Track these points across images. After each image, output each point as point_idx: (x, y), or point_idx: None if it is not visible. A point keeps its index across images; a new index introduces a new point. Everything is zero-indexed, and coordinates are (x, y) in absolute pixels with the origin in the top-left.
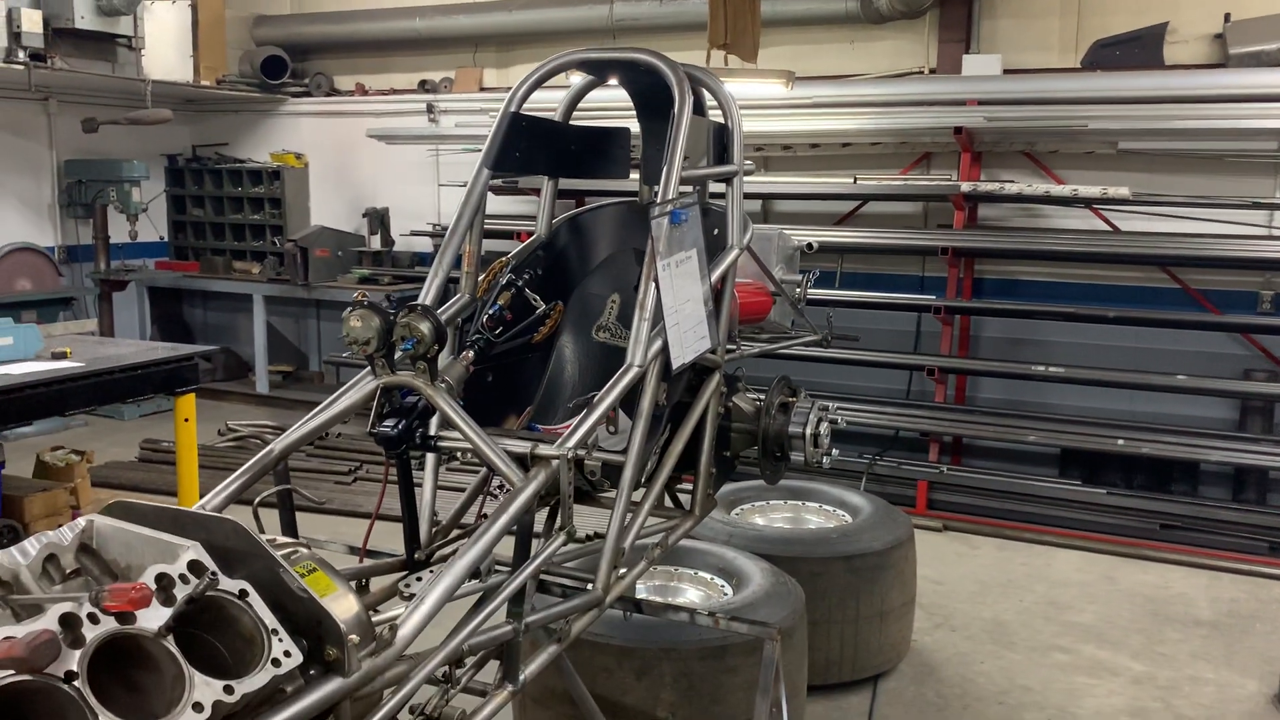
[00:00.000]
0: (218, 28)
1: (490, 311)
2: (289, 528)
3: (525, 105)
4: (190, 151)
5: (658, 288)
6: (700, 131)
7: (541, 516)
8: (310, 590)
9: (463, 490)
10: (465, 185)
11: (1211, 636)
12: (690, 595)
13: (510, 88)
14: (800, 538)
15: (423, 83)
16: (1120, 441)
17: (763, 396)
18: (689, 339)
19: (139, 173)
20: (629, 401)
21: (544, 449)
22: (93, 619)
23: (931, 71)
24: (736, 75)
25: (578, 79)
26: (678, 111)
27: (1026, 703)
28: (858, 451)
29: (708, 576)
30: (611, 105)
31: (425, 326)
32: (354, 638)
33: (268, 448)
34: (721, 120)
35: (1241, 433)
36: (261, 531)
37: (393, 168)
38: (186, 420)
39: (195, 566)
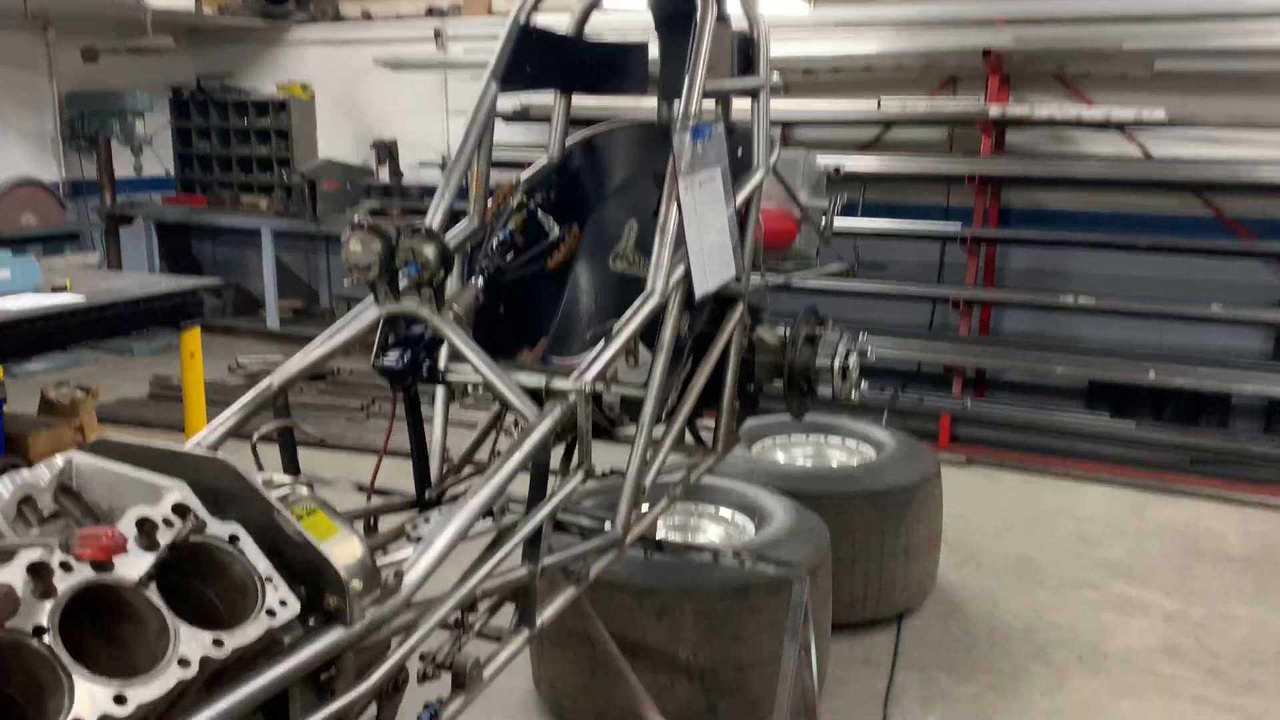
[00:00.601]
0: None
1: (500, 236)
2: (290, 465)
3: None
4: (195, 83)
5: (680, 210)
6: (724, 41)
7: (557, 454)
8: (307, 534)
9: (475, 427)
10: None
11: (1244, 572)
12: (711, 533)
13: None
14: (824, 474)
15: (430, 8)
16: (1151, 374)
17: (787, 329)
18: (712, 266)
19: (142, 105)
20: (649, 333)
21: (560, 383)
22: (65, 568)
23: None
24: None
25: None
26: (700, 17)
27: (1055, 640)
28: (879, 386)
29: (729, 514)
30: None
31: (430, 250)
32: (356, 584)
33: (266, 380)
34: (746, 31)
35: (1276, 364)
36: (261, 470)
37: (401, 98)
38: (192, 355)
39: (180, 509)
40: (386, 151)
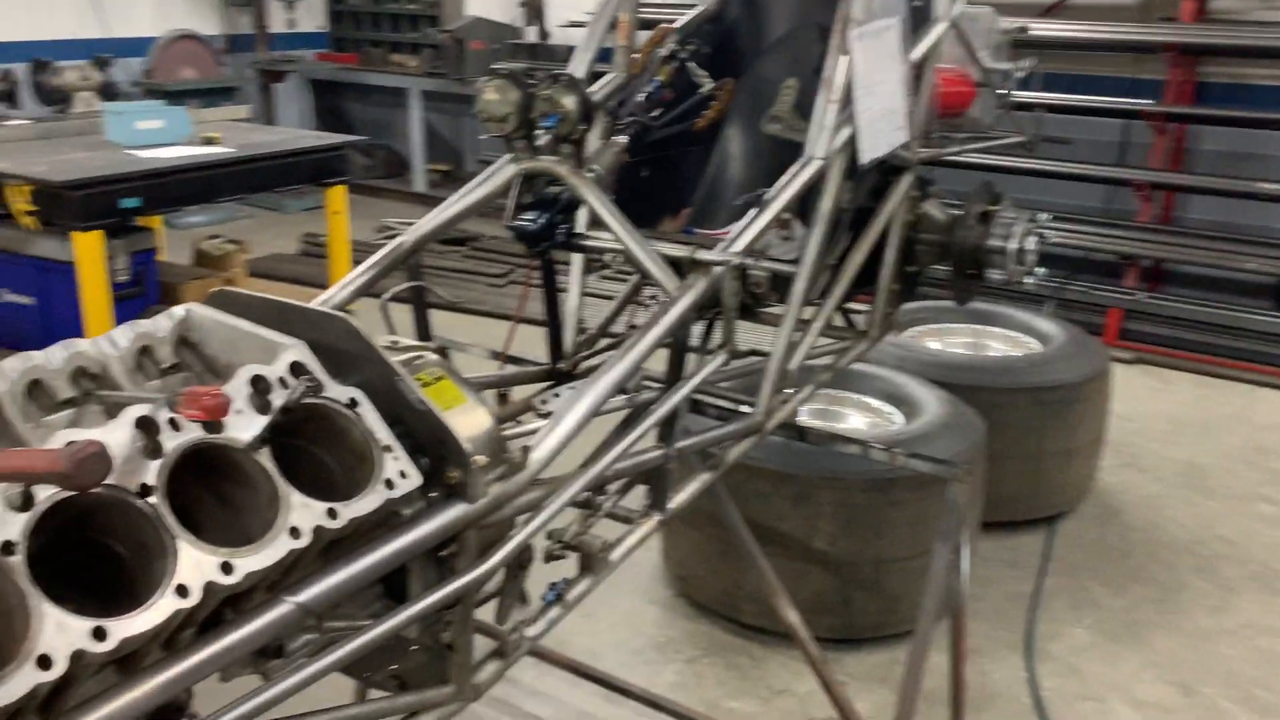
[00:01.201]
0: None
1: (647, 90)
2: (421, 328)
3: None
4: None
5: (849, 63)
6: None
7: (697, 332)
8: (431, 402)
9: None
10: None
11: None
12: (855, 422)
13: None
14: (982, 365)
15: None
16: None
17: (957, 205)
18: (881, 129)
19: None
20: (803, 204)
21: (705, 254)
22: (174, 425)
23: None
24: None
25: None
26: None
27: (1224, 555)
28: (1043, 274)
29: (875, 403)
30: None
31: (570, 101)
32: (481, 459)
33: (398, 239)
34: None
35: None
36: (391, 332)
37: None
38: (337, 213)
39: (297, 369)
40: (535, 9)
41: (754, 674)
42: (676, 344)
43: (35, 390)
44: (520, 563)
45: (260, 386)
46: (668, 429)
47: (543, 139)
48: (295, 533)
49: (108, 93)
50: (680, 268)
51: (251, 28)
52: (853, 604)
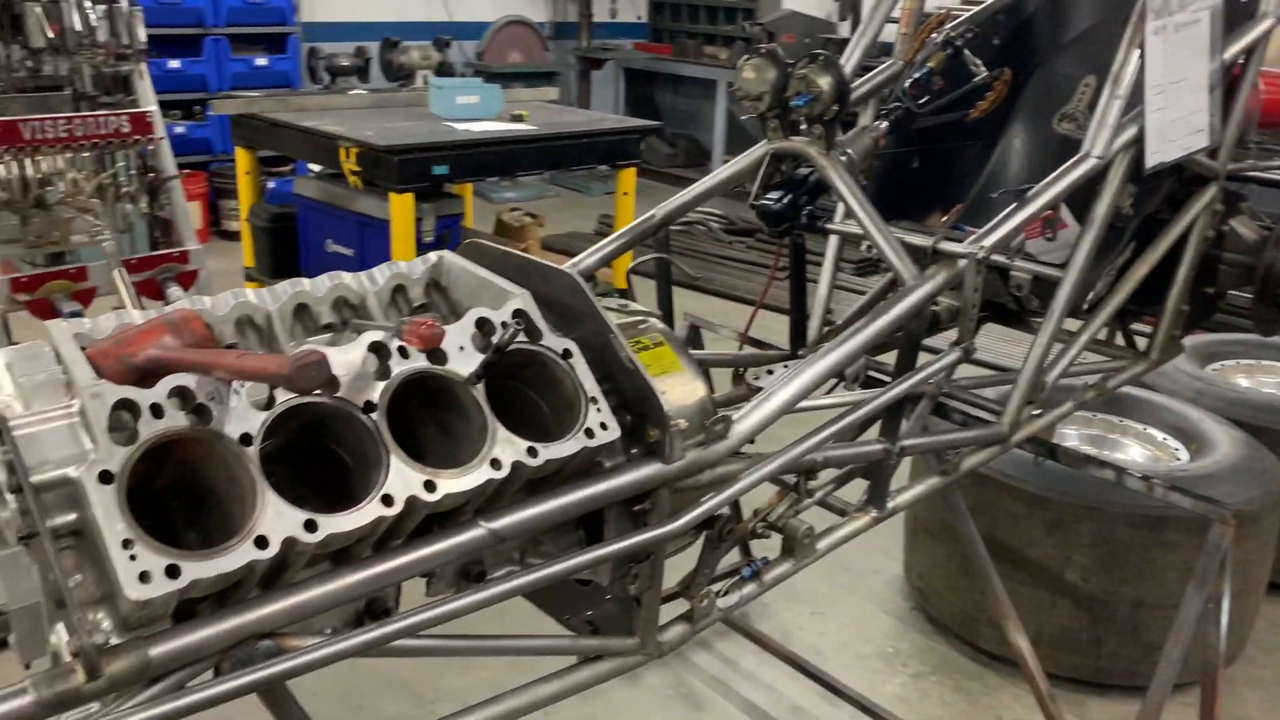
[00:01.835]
0: None
1: (915, 75)
2: (663, 299)
3: None
4: None
5: (1142, 56)
6: None
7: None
8: (638, 362)
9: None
10: None
11: None
12: (1133, 453)
13: None
14: None
15: None
16: None
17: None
18: (1177, 131)
19: None
20: (1080, 205)
21: (950, 245)
22: (403, 353)
23: None
24: None
25: None
26: None
27: None
28: None
29: (1159, 435)
30: None
31: (825, 80)
32: (681, 422)
33: (649, 213)
34: None
35: None
36: (633, 300)
37: None
38: (625, 194)
39: (517, 316)
40: (850, 4)
41: (983, 701)
42: (909, 336)
43: (302, 313)
44: (720, 534)
45: (485, 328)
46: (892, 423)
47: (795, 118)
48: (496, 464)
49: (443, 72)
50: (923, 257)
51: (577, 16)
52: (1104, 646)
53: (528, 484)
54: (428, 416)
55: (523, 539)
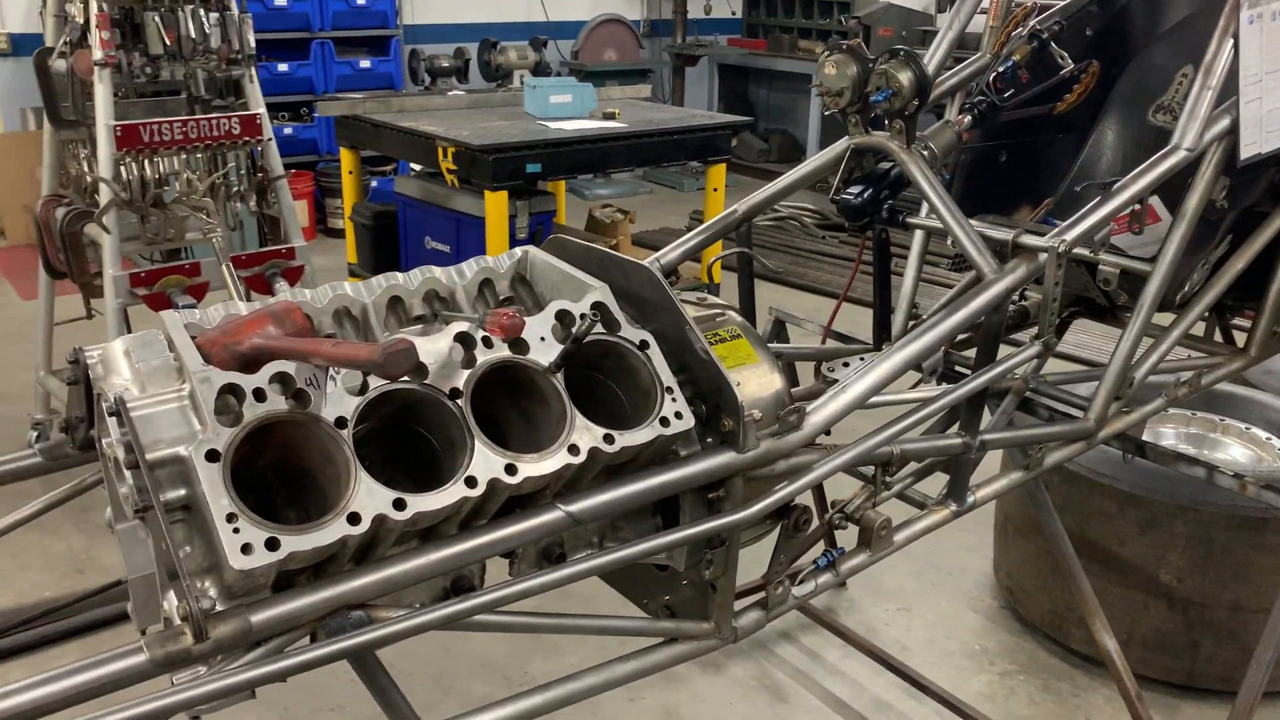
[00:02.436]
0: None
1: (1000, 69)
2: (745, 292)
3: None
4: None
5: (1235, 46)
6: None
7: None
8: (713, 354)
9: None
10: None
11: None
12: (1234, 452)
13: None
14: None
15: None
16: None
17: None
18: (1274, 121)
19: None
20: (1172, 197)
21: (1030, 239)
22: (488, 344)
23: None
24: None
25: None
26: None
27: None
28: None
29: (1263, 435)
30: None
31: (905, 76)
32: (755, 413)
33: (731, 208)
34: None
35: None
36: (714, 294)
37: None
38: (715, 189)
39: (595, 308)
40: None
41: (1072, 702)
42: (989, 329)
43: (395, 305)
44: (795, 524)
45: (565, 320)
46: (971, 417)
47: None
48: (574, 450)
49: (539, 71)
50: (1004, 252)
51: (671, 13)
52: (1200, 649)
53: (605, 470)
54: (509, 404)
55: (601, 523)
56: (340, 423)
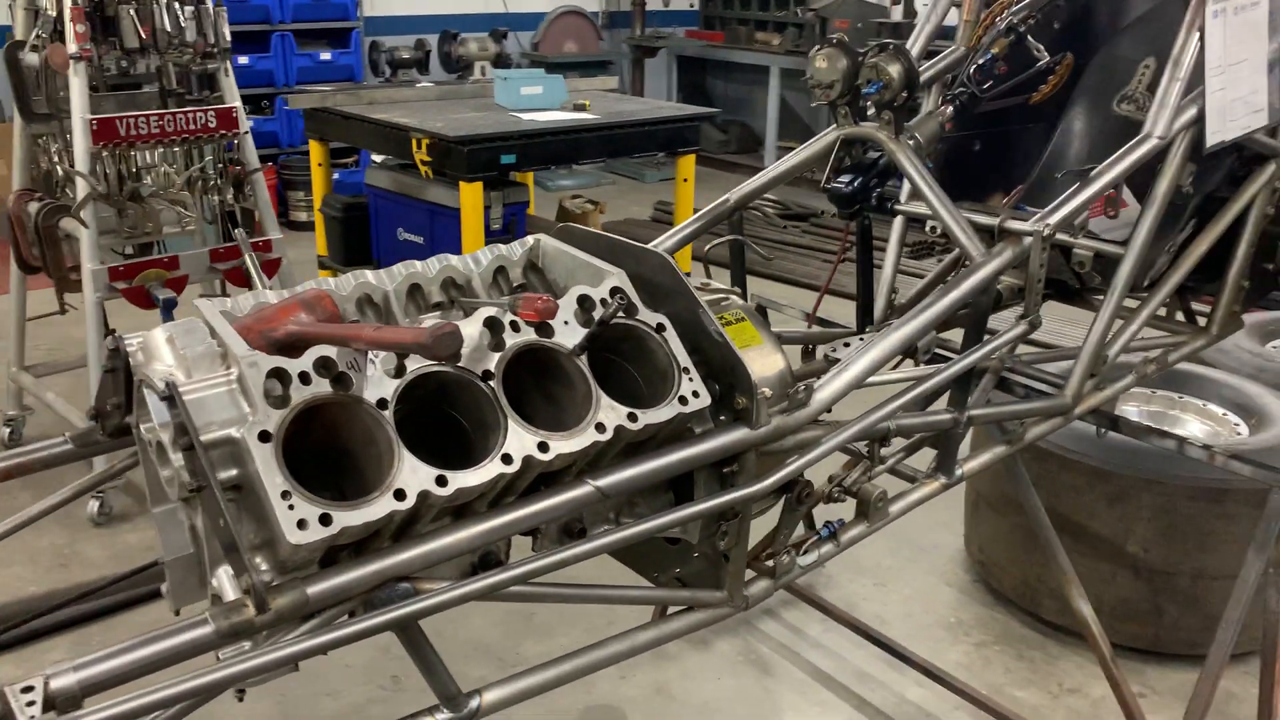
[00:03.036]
0: None
1: (980, 61)
2: (737, 279)
3: None
4: None
5: (1201, 39)
6: None
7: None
8: (726, 336)
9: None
10: None
11: None
12: (1192, 428)
13: None
14: None
15: None
16: None
17: None
18: (1237, 111)
19: None
20: (1140, 184)
21: (1016, 223)
22: (514, 328)
23: None
24: None
25: None
26: None
27: None
28: None
29: (1219, 411)
30: None
31: (895, 69)
32: (766, 391)
33: (723, 197)
34: None
35: None
36: (709, 279)
37: None
38: (685, 180)
39: (615, 293)
40: None
41: (1045, 669)
42: (977, 310)
43: (415, 292)
44: (799, 498)
45: (585, 305)
46: (960, 394)
47: (866, 105)
48: (601, 428)
49: (500, 63)
50: (991, 236)
51: (629, 5)
52: (1164, 616)
53: (624, 448)
54: (532, 385)
55: (618, 500)
56: (382, 404)
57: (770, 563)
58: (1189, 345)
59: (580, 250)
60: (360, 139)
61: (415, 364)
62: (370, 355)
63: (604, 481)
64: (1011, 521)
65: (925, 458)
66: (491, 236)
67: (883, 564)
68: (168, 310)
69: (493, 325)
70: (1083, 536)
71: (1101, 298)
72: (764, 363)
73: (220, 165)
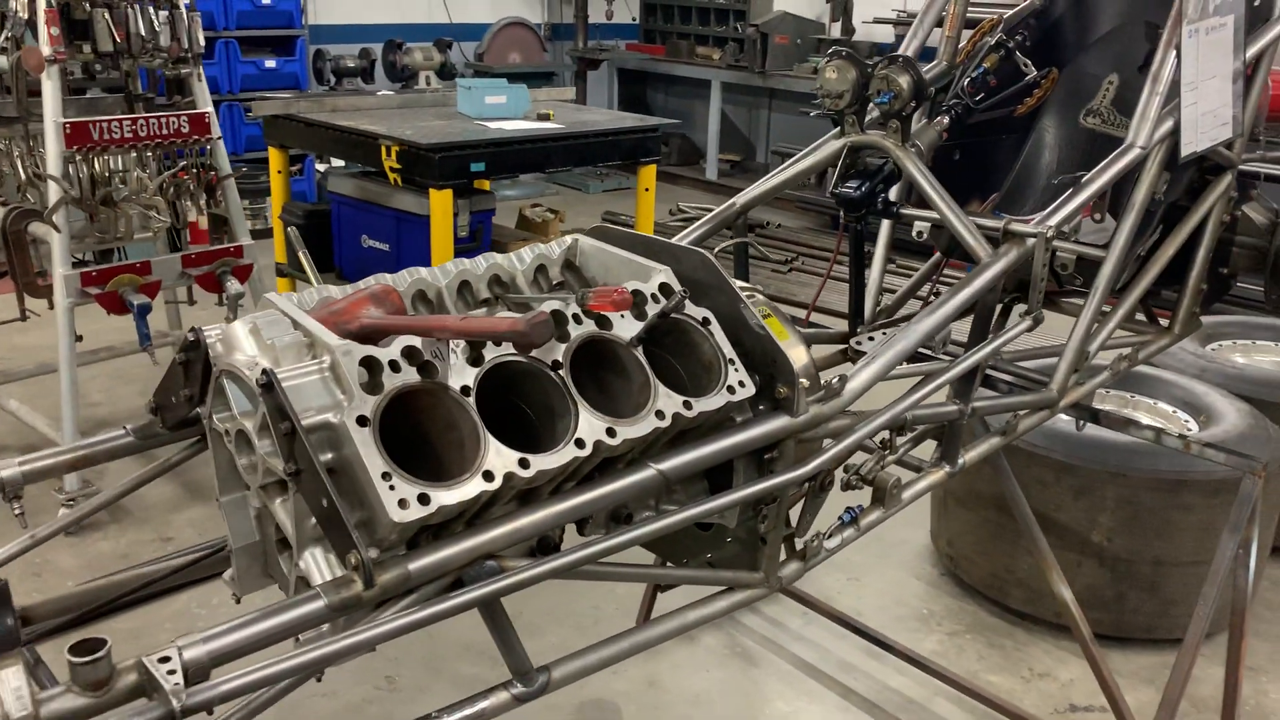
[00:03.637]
0: None
1: (973, 75)
2: (741, 278)
3: None
4: None
5: (1178, 57)
6: None
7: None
8: (769, 329)
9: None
10: None
11: None
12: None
13: None
14: None
15: None
16: None
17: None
18: (1206, 124)
19: None
20: (1116, 191)
21: (1020, 226)
22: (577, 319)
23: None
24: None
25: None
26: None
27: None
28: None
29: (1169, 409)
30: None
31: (905, 80)
32: (805, 381)
33: (730, 201)
34: None
35: None
36: None
37: None
38: (647, 190)
39: (665, 288)
40: (841, 5)
41: (1016, 655)
42: (983, 308)
43: (464, 289)
44: (822, 485)
45: (638, 299)
46: (964, 388)
47: (874, 115)
48: (660, 415)
49: (445, 73)
50: (995, 238)
51: (573, 17)
52: (1126, 601)
53: (671, 438)
54: (588, 375)
55: (658, 487)
56: (465, 391)
57: (800, 545)
58: (1155, 344)
59: (618, 248)
60: (324, 146)
61: (491, 354)
62: (452, 345)
63: (666, 465)
64: (980, 516)
65: (924, 450)
66: (459, 244)
67: (854, 560)
68: (142, 315)
69: (558, 318)
70: (1050, 527)
71: (1076, 300)
72: (792, 355)
73: (195, 170)
